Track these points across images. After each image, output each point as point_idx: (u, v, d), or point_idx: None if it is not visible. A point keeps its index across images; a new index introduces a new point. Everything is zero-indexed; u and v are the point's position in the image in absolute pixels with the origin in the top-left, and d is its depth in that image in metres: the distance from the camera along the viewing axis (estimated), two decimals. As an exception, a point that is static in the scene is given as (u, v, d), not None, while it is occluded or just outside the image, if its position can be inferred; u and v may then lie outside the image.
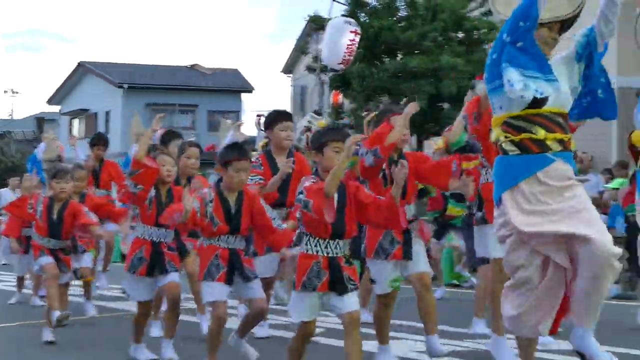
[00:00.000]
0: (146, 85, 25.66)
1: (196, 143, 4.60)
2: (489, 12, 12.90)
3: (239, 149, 3.27)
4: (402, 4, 13.30)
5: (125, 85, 24.86)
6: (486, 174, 3.39)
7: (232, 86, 27.12)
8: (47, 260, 4.41)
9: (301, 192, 2.60)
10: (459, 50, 12.61)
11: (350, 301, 2.66)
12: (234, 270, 3.05)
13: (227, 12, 73.82)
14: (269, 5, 77.23)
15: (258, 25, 74.92)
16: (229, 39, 72.89)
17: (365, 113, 5.44)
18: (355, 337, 2.70)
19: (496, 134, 2.40)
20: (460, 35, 13.07)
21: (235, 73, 28.23)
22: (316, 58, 14.64)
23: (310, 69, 16.07)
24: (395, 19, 13.29)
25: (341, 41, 8.03)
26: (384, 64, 13.44)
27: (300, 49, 19.21)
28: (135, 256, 3.40)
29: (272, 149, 4.14)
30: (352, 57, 8.15)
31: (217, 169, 4.00)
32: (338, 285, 2.58)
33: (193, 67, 27.57)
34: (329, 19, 12.32)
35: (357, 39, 8.12)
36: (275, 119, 4.09)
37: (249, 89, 27.63)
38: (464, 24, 12.89)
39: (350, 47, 8.02)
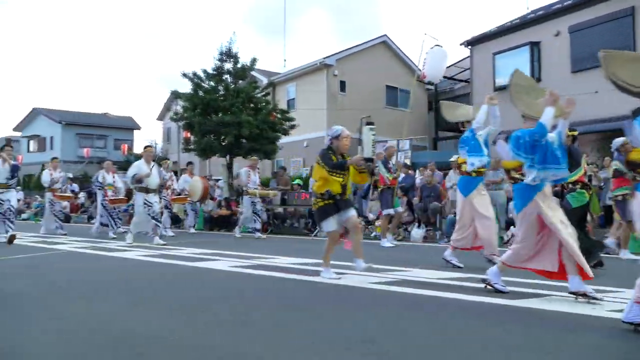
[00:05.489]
0: (75, 123, 37.38)
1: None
2: (267, 93, 20.58)
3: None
4: (221, 87, 19.04)
5: (63, 122, 38.08)
6: None
7: (128, 126, 40.02)
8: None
9: None
10: (250, 113, 18.27)
11: None
12: None
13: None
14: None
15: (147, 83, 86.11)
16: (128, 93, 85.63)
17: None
18: None
19: None
20: (252, 105, 18.91)
21: (129, 118, 41.24)
22: (176, 114, 19.95)
23: (172, 119, 21.01)
24: (217, 95, 18.79)
25: (442, 63, 9.07)
26: (212, 118, 18.48)
27: (167, 107, 26.91)
28: None
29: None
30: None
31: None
32: None
33: (105, 114, 40.10)
34: (184, 93, 19.27)
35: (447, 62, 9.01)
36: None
37: (138, 128, 41.05)
38: (253, 99, 18.94)
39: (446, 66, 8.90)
